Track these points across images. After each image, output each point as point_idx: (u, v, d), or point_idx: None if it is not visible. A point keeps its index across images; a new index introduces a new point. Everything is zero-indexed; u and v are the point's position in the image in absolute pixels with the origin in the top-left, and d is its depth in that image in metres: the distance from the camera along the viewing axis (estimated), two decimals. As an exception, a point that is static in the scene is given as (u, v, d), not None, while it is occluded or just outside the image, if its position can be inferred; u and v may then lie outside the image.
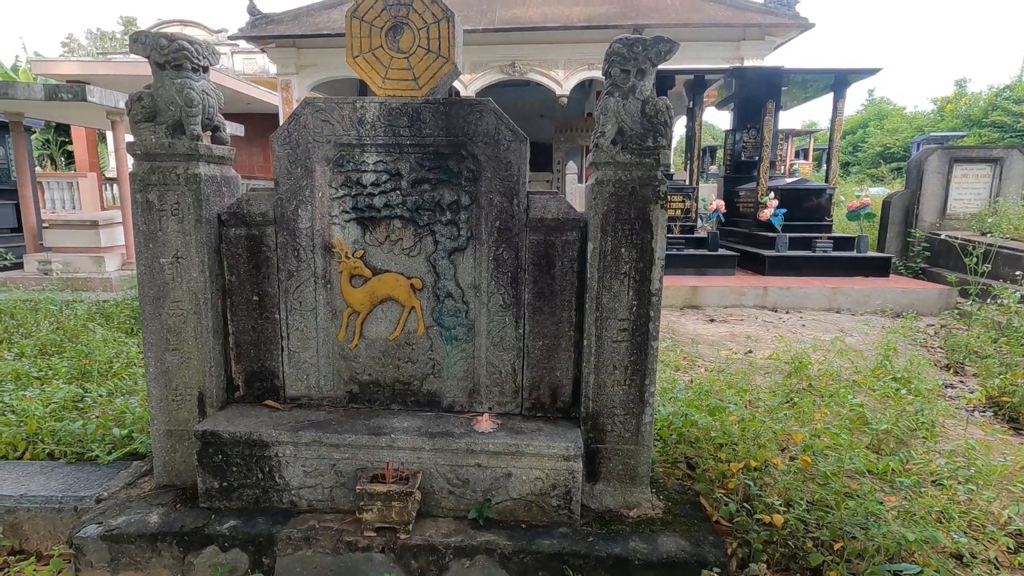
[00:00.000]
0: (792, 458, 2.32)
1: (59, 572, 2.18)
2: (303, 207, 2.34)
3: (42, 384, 3.63)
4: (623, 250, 2.21)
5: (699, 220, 8.85)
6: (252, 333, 2.45)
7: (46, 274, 7.10)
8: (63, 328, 4.67)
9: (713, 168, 19.74)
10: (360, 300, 2.40)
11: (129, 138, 2.28)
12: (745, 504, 2.20)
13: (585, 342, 2.28)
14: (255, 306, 2.43)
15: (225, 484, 2.26)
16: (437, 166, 2.31)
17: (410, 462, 2.22)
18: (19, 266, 7.80)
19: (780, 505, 2.03)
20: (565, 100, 12.50)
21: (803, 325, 5.60)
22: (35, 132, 17.48)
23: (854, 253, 7.44)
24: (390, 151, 2.31)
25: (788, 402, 2.97)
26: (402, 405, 2.48)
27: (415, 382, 2.46)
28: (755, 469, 2.31)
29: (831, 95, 8.26)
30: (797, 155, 23.59)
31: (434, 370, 2.45)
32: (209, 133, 2.41)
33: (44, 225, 8.20)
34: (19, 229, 8.41)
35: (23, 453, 2.88)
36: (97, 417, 2.95)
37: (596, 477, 2.35)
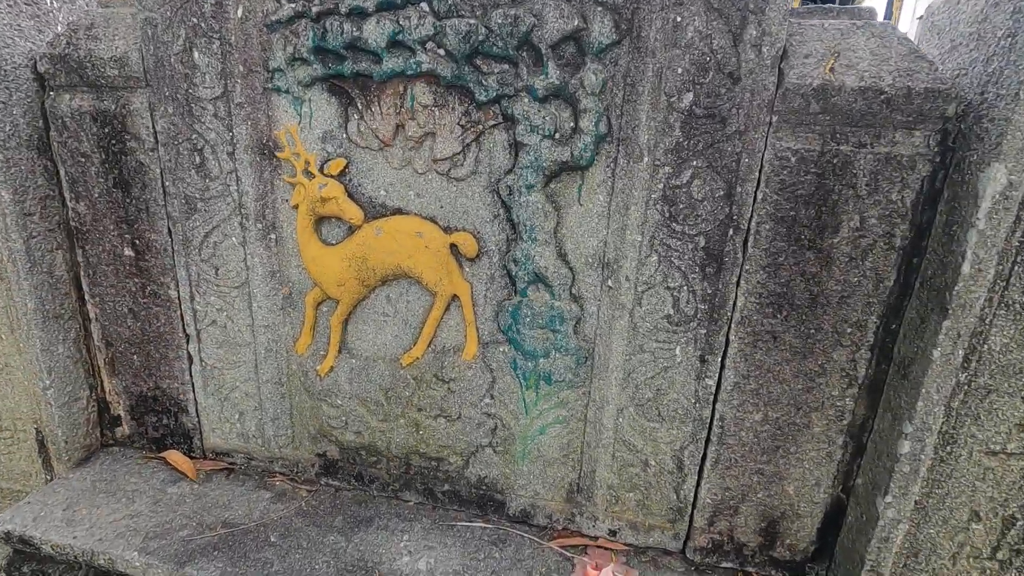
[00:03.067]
0: None
1: None
2: (202, 45, 0.97)
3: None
4: (1106, 196, 0.68)
5: None
6: (132, 322, 1.20)
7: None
8: None
9: None
10: (339, 274, 1.05)
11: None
12: None
13: (906, 445, 0.83)
14: (131, 268, 1.15)
15: (61, 633, 1.11)
16: (531, -72, 0.83)
17: (424, 673, 0.94)
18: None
19: None
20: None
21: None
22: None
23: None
24: None
25: None
26: (424, 497, 1.19)
27: (453, 458, 1.14)
28: None
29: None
30: None
31: (495, 439, 1.11)
32: None
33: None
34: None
35: None
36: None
37: None
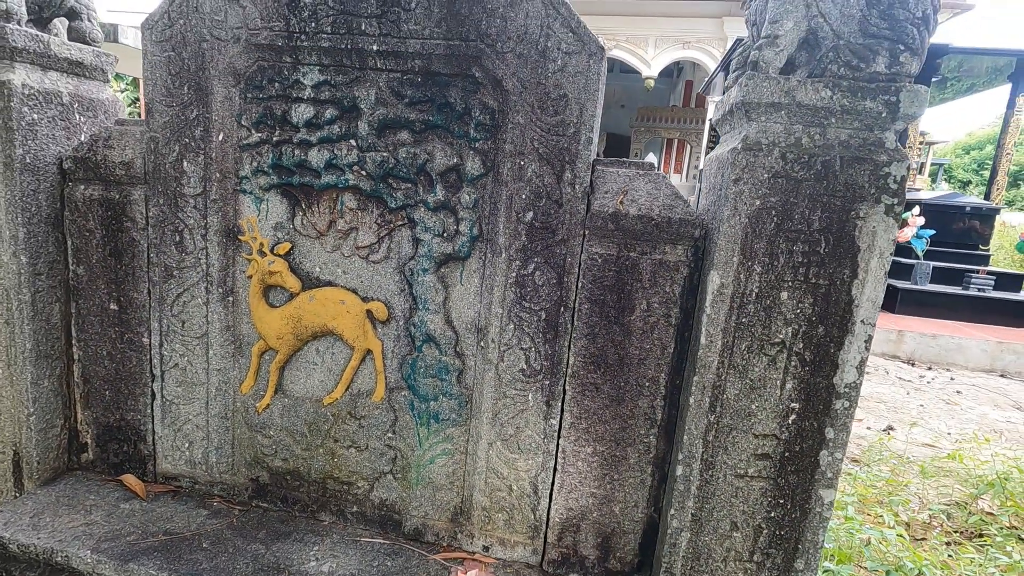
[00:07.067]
0: None
1: None
2: (191, 157, 1.32)
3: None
4: (784, 295, 1.04)
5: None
6: (108, 363, 1.47)
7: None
8: None
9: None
10: (279, 330, 1.36)
11: None
12: None
13: (680, 469, 1.13)
14: (114, 320, 1.45)
15: (12, 628, 1.30)
16: (425, 98, 1.22)
17: (316, 655, 1.17)
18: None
19: None
20: (652, 83, 11.07)
21: (958, 392, 4.11)
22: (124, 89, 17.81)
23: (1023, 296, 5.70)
24: (342, 65, 1.23)
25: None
26: (336, 516, 1.43)
27: (361, 483, 1.40)
28: None
29: (1005, 87, 6.45)
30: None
31: (395, 467, 1.38)
32: (64, 21, 1.43)
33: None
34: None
35: None
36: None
37: None
